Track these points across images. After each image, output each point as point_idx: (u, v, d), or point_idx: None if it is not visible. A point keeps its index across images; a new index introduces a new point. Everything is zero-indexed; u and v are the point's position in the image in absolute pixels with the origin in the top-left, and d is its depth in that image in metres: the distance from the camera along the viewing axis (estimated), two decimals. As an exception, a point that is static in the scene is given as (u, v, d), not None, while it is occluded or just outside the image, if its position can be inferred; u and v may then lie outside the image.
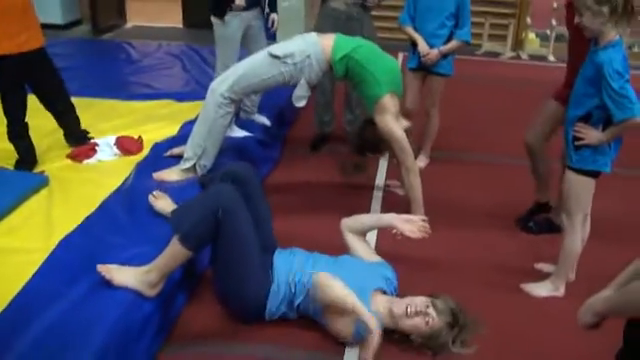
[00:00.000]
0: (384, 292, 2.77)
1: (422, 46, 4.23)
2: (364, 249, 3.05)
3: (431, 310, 2.61)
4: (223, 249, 2.64)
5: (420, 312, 2.60)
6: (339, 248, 3.05)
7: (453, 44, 4.24)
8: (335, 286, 2.56)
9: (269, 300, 2.70)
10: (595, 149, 2.85)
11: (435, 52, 4.22)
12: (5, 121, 3.68)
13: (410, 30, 4.29)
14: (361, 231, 3.13)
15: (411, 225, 3.08)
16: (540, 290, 3.12)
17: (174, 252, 2.56)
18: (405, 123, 3.69)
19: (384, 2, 4.66)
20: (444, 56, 4.27)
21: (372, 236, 3.47)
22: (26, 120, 3.71)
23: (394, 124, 3.55)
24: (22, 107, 3.67)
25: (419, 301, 2.64)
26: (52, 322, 2.31)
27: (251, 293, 2.69)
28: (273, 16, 4.56)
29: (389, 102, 3.54)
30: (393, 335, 2.65)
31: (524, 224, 3.75)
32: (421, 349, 2.60)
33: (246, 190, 2.84)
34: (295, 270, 2.74)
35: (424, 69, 4.36)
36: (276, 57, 3.48)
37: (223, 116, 3.56)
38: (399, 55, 7.90)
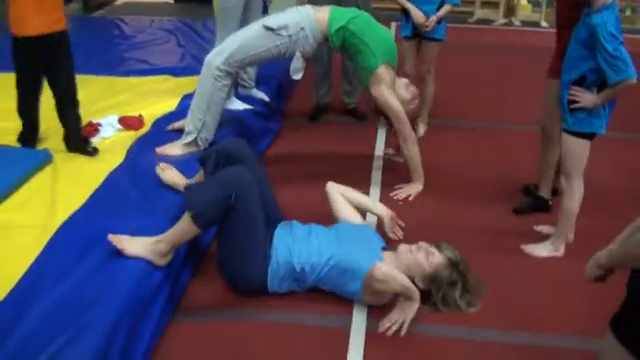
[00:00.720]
0: (384, 249, 2.89)
1: (417, 15, 4.25)
2: (349, 211, 3.13)
3: (433, 249, 2.76)
4: (230, 228, 2.69)
5: (421, 247, 2.76)
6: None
7: (447, 8, 4.27)
8: (399, 277, 2.62)
9: (269, 277, 2.75)
10: (590, 112, 2.90)
11: (433, 19, 4.25)
12: (15, 96, 3.61)
13: (409, 5, 4.29)
14: (353, 204, 3.20)
15: (394, 228, 3.22)
16: (540, 251, 3.20)
17: (184, 228, 2.63)
18: (414, 89, 3.73)
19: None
20: (437, 21, 4.31)
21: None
22: (39, 99, 3.66)
23: (389, 94, 3.60)
24: (37, 86, 3.61)
25: (421, 242, 2.81)
26: (62, 296, 2.36)
27: (254, 271, 2.75)
28: None
29: (384, 73, 3.58)
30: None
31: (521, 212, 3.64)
32: (424, 302, 2.69)
33: (247, 165, 2.88)
34: (297, 251, 2.76)
35: (418, 36, 4.40)
36: (270, 29, 3.51)
37: (220, 88, 3.60)
38: (392, 25, 7.92)
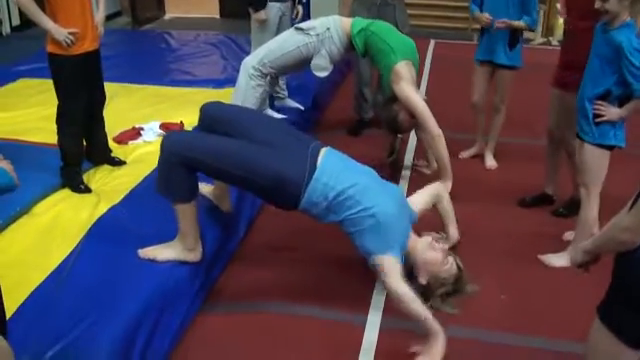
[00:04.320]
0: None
1: (480, 17, 4.19)
2: (420, 202, 3.11)
3: (450, 258, 2.89)
4: (214, 165, 2.69)
5: (444, 250, 2.87)
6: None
7: (520, 23, 4.15)
8: (417, 304, 2.58)
9: (307, 193, 2.68)
10: (614, 124, 3.00)
11: (504, 21, 4.09)
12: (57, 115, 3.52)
13: (478, 13, 4.24)
14: (439, 212, 3.24)
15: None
16: (557, 260, 3.27)
17: (182, 212, 2.75)
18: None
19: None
20: (511, 46, 4.23)
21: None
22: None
23: (411, 91, 3.70)
24: (83, 107, 3.55)
25: (442, 245, 2.93)
26: (96, 279, 2.58)
27: (283, 176, 2.66)
28: (298, 8, 4.99)
29: (404, 69, 3.72)
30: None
31: (528, 205, 3.88)
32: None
33: (221, 123, 2.86)
34: (347, 179, 2.70)
35: (492, 62, 4.30)
36: (300, 29, 3.84)
37: (254, 87, 3.85)
38: (430, 42, 8.05)
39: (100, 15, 3.60)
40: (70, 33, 3.29)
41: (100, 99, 3.71)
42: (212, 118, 2.92)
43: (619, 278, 1.78)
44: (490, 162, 4.51)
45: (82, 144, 3.64)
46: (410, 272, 2.82)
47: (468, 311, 2.87)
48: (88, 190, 3.47)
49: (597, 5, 2.88)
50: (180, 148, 2.66)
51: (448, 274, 2.85)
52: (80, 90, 3.47)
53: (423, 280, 2.82)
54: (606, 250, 1.85)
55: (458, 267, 2.88)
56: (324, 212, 2.74)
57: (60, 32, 3.26)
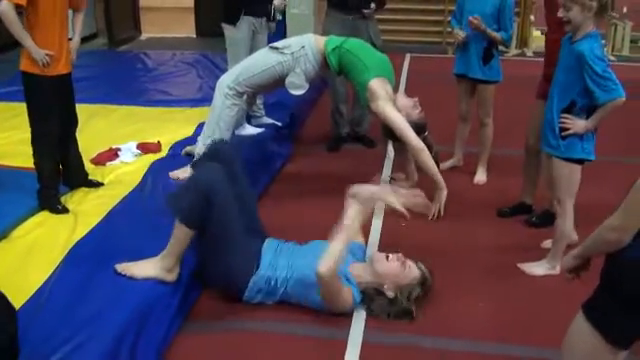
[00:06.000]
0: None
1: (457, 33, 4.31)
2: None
3: (410, 262, 2.90)
4: (212, 226, 2.78)
5: (399, 257, 2.88)
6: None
7: (496, 34, 4.19)
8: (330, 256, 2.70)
9: (250, 285, 2.86)
10: (581, 137, 3.03)
11: (479, 23, 4.15)
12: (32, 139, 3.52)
13: (455, 29, 4.36)
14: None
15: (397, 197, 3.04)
16: (537, 269, 3.30)
17: (180, 235, 2.76)
18: (413, 97, 3.91)
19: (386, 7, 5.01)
20: (485, 60, 4.30)
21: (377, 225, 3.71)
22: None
23: (388, 107, 3.72)
24: (56, 129, 3.54)
25: (398, 254, 2.92)
26: (74, 304, 2.55)
27: (235, 269, 2.85)
28: (271, 25, 4.98)
29: (379, 85, 3.74)
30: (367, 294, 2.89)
31: (507, 215, 3.90)
32: (384, 309, 2.86)
33: (229, 169, 2.95)
34: (274, 265, 2.89)
35: (469, 78, 4.37)
36: (275, 48, 3.83)
37: (229, 107, 3.82)
38: (406, 56, 8.13)
39: (75, 39, 3.60)
40: (47, 54, 3.30)
41: (72, 121, 3.70)
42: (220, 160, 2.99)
43: (608, 278, 1.81)
44: (479, 177, 4.50)
45: (58, 165, 3.63)
46: (377, 290, 2.86)
47: (455, 323, 2.88)
48: (66, 210, 3.45)
49: (561, 13, 2.94)
50: (211, 187, 2.74)
51: (411, 279, 2.86)
52: (52, 112, 3.47)
53: (391, 293, 2.83)
54: (595, 251, 1.89)
55: (419, 269, 2.90)
56: (266, 296, 2.91)
57: (38, 52, 3.28)
